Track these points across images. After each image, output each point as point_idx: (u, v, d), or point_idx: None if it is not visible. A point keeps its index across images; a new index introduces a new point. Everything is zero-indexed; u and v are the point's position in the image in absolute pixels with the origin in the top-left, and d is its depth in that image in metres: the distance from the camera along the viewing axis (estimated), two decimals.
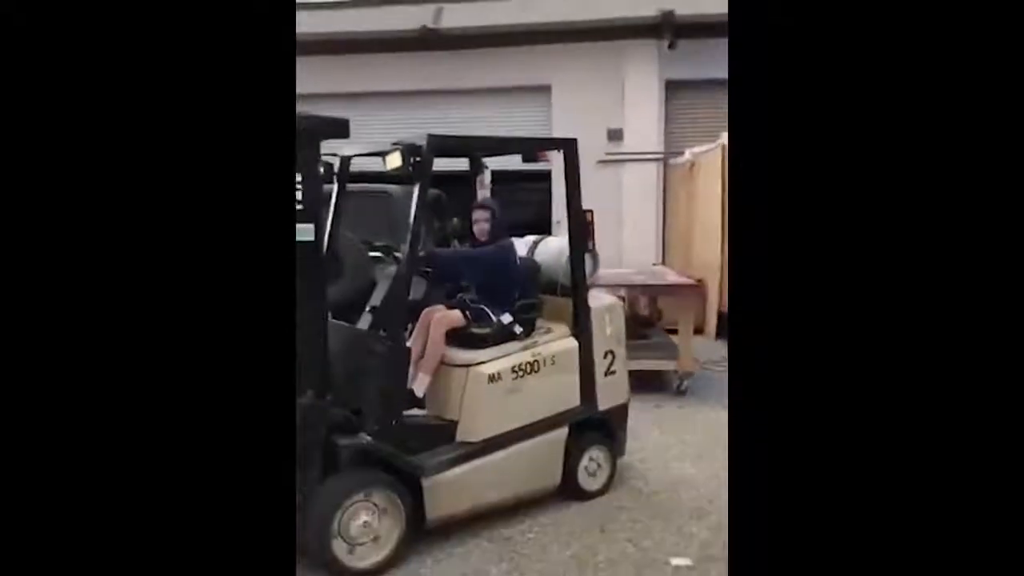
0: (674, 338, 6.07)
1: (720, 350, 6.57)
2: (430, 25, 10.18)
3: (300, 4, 9.93)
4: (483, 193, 3.91)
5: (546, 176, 9.84)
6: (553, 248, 3.81)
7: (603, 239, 9.20)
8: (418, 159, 3.09)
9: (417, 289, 3.85)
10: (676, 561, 3.10)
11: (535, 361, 3.44)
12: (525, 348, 3.45)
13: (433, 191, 6.18)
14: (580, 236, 3.60)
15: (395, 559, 3.03)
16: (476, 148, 3.73)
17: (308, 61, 10.49)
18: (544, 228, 9.89)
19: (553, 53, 9.65)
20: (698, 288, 6.21)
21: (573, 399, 3.58)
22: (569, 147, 3.58)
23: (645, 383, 5.50)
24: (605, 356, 3.69)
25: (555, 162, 9.84)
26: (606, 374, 3.69)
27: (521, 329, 3.48)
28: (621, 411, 3.83)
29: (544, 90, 9.88)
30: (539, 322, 3.62)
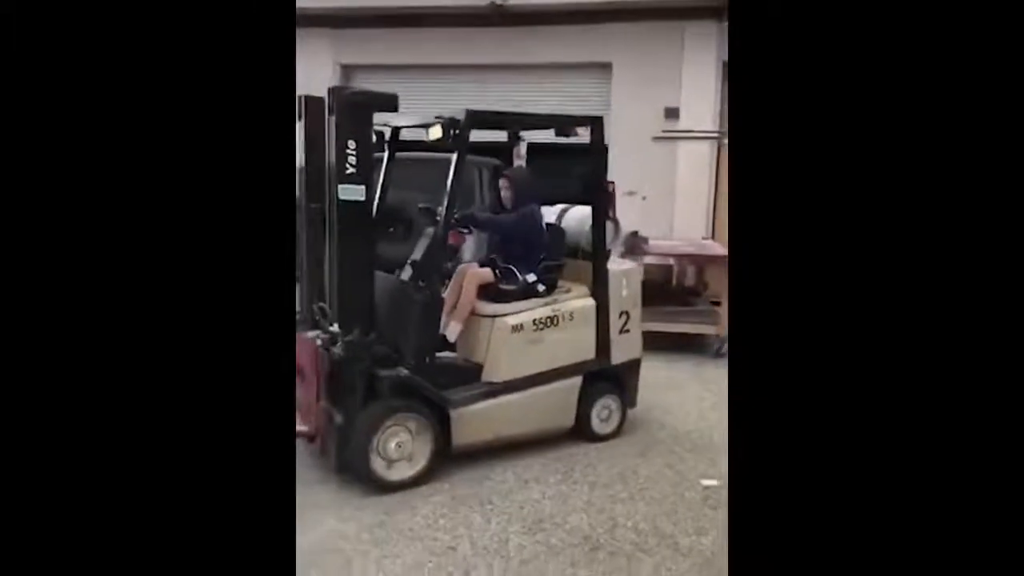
0: (717, 309, 6.54)
1: None
2: (497, 1, 10.58)
3: None
4: (519, 163, 4.34)
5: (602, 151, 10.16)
6: (577, 216, 4.22)
7: (655, 212, 9.53)
8: (457, 132, 3.54)
9: (480, 249, 4.33)
10: (706, 482, 3.66)
11: (555, 316, 3.89)
12: (546, 304, 3.90)
13: (493, 160, 6.67)
14: (602, 206, 4.01)
15: (425, 476, 3.54)
16: (510, 123, 4.16)
17: (381, 33, 11.10)
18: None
19: (614, 32, 9.90)
20: None
21: (588, 352, 4.01)
22: (596, 123, 3.97)
23: (688, 345, 6.32)
24: (620, 316, 4.10)
25: (614, 137, 10.13)
26: (620, 332, 4.11)
27: (544, 287, 3.93)
28: (633, 366, 4.25)
29: (605, 67, 10.17)
30: (561, 282, 4.06)
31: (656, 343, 6.27)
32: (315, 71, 11.19)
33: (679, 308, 6.94)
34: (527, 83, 10.79)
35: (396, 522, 3.19)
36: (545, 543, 3.04)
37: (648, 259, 6.49)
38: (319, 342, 3.45)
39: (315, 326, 3.60)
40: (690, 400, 5.03)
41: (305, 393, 3.49)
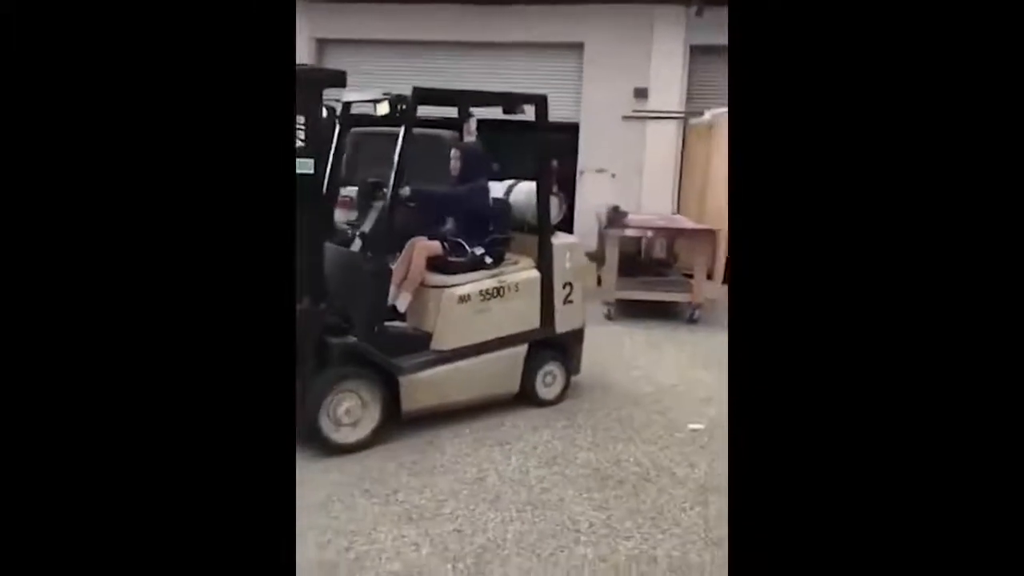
0: (689, 279, 6.98)
1: (725, 292, 7.23)
2: None
3: None
4: (469, 138, 4.47)
5: (569, 128, 10.32)
6: (525, 191, 4.37)
7: (624, 188, 9.71)
8: (403, 107, 3.67)
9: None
10: (692, 425, 4.18)
11: (501, 287, 4.05)
12: (493, 276, 4.06)
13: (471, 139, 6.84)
14: (547, 181, 4.17)
15: (374, 440, 3.70)
16: (457, 99, 4.29)
17: (347, 8, 11.10)
18: (563, 182, 10.41)
19: (587, 13, 10.00)
20: (710, 234, 6.80)
21: (533, 321, 4.19)
22: (540, 102, 4.11)
23: (662, 313, 6.92)
24: (564, 287, 4.27)
25: (585, 116, 10.30)
26: (564, 302, 4.28)
27: (491, 260, 4.09)
28: (577, 335, 4.43)
29: (577, 47, 10.28)
30: (508, 255, 4.22)
31: (633, 311, 6.78)
32: None
33: (653, 278, 7.25)
34: (501, 61, 10.86)
35: (428, 459, 3.62)
36: (561, 474, 3.52)
37: (628, 232, 6.78)
38: None
39: None
40: (669, 358, 5.65)
41: None
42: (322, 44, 11.67)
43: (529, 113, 4.21)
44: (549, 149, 4.21)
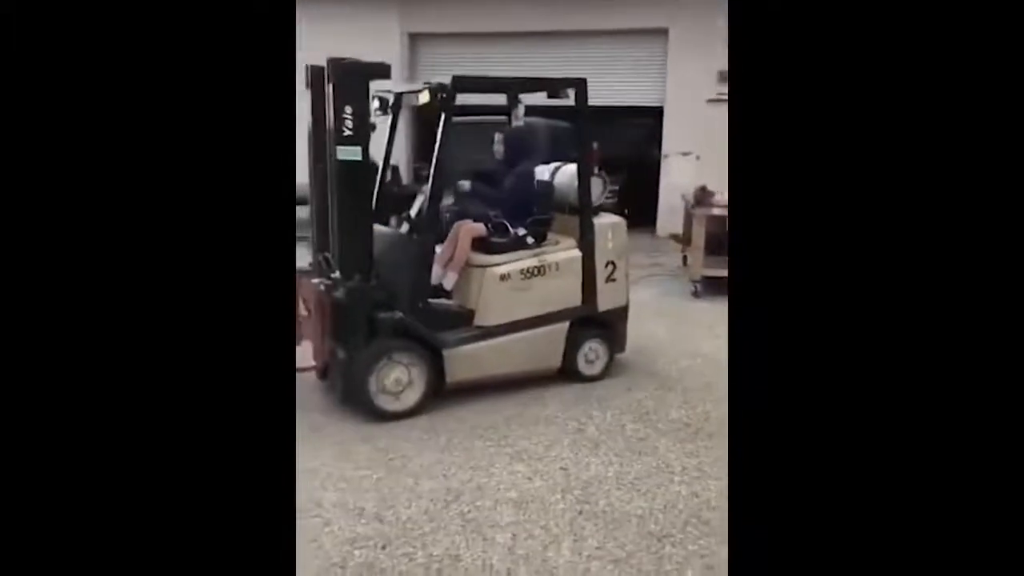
0: None
1: None
2: None
3: None
4: (516, 123, 4.64)
5: (651, 112, 10.28)
6: (569, 173, 4.49)
7: (708, 170, 9.57)
8: (444, 96, 3.89)
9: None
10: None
11: (542, 266, 4.20)
12: (534, 255, 4.22)
13: (563, 124, 7.01)
14: (587, 163, 4.28)
15: (419, 408, 3.96)
16: (497, 87, 4.45)
17: (438, 3, 11.45)
18: (647, 165, 10.38)
19: None
20: None
21: (575, 299, 4.31)
22: (580, 86, 4.21)
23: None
24: (606, 266, 4.37)
25: (669, 100, 10.30)
26: (607, 281, 4.38)
27: (532, 240, 4.25)
28: (620, 312, 4.51)
29: (662, 33, 10.21)
30: (551, 235, 4.36)
31: (719, 289, 6.90)
32: (382, 41, 11.72)
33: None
34: (586, 49, 10.92)
35: (530, 412, 3.99)
36: (654, 427, 3.87)
37: (715, 211, 6.74)
38: (322, 287, 3.90)
39: (321, 274, 4.06)
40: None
41: (312, 335, 3.97)
42: (414, 38, 12.10)
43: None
44: (589, 131, 4.31)
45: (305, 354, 4.09)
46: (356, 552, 2.65)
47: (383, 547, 2.68)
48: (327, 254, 4.07)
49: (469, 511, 2.97)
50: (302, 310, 4.08)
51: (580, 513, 2.97)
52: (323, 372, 4.24)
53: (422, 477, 3.25)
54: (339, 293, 3.85)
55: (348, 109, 3.79)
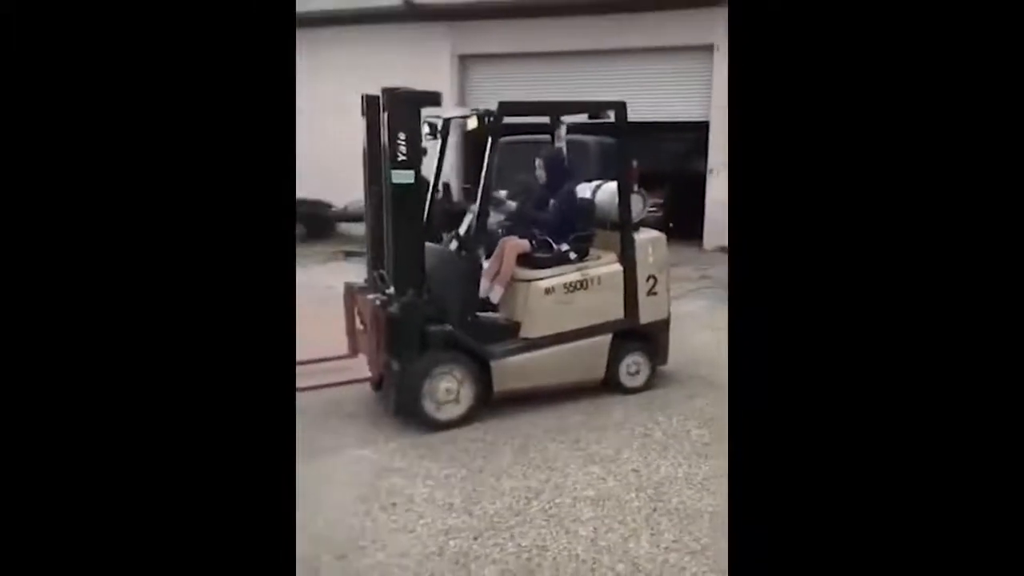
0: None
1: None
2: None
3: None
4: (560, 144, 4.84)
5: (696, 127, 10.38)
6: (610, 191, 4.66)
7: None
8: (491, 120, 4.11)
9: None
10: None
11: (584, 280, 4.38)
12: (577, 270, 4.40)
13: (609, 140, 7.18)
14: (627, 181, 4.45)
15: (468, 418, 4.15)
16: (541, 110, 4.65)
17: (486, 25, 11.76)
18: (692, 178, 10.47)
19: (717, 15, 10.02)
20: None
21: (617, 312, 4.47)
22: (619, 108, 4.39)
23: None
24: (648, 280, 4.52)
25: (715, 115, 10.45)
26: (648, 294, 4.53)
27: (575, 255, 4.43)
28: (662, 325, 4.65)
29: (707, 49, 10.32)
30: (593, 251, 4.53)
31: None
32: (434, 62, 12.10)
33: None
34: (633, 66, 11.10)
35: (597, 419, 4.19)
36: (719, 433, 3.90)
37: None
38: (377, 303, 4.15)
39: (376, 290, 4.31)
40: None
41: (368, 347, 4.21)
42: (464, 60, 12.45)
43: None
44: (630, 150, 4.48)
45: (360, 366, 4.35)
46: (451, 542, 2.87)
47: (475, 538, 2.90)
48: (382, 271, 4.32)
49: (550, 507, 3.16)
50: (358, 324, 4.33)
51: (655, 510, 3.14)
52: (378, 384, 4.49)
53: (502, 477, 3.46)
54: (393, 308, 4.09)
55: (401, 135, 4.04)
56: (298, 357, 4.51)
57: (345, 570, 2.67)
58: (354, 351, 4.63)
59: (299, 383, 4.21)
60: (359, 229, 11.91)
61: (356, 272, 5.35)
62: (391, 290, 4.16)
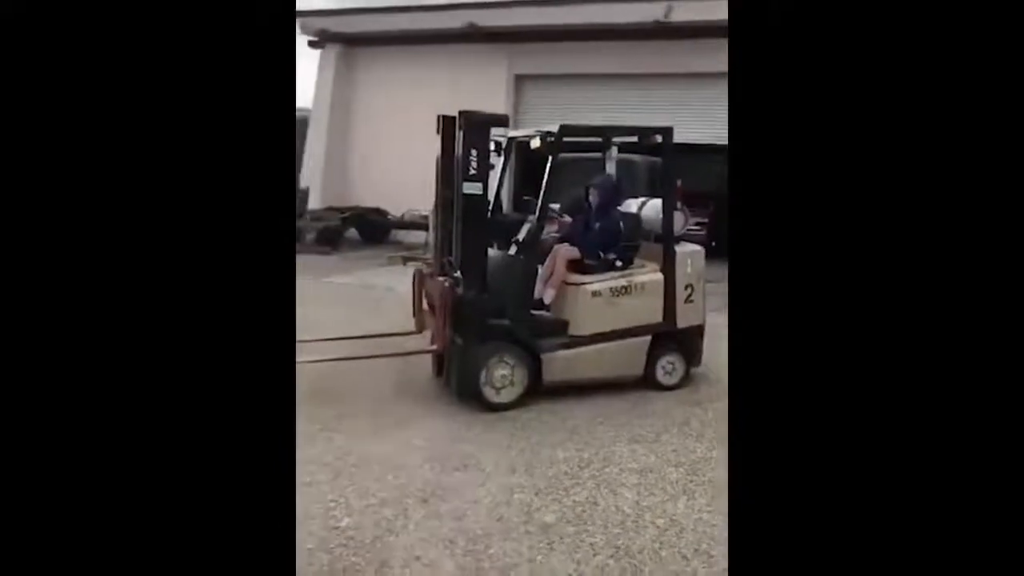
0: None
1: None
2: (661, 19, 11.53)
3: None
4: (611, 165, 5.39)
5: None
6: (653, 207, 5.20)
7: None
8: (551, 141, 4.69)
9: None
10: None
11: (628, 286, 4.92)
12: (622, 276, 4.94)
13: (655, 159, 7.66)
14: (671, 198, 4.99)
15: (518, 403, 4.69)
16: (597, 133, 5.21)
17: (552, 47, 12.40)
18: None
19: None
20: None
21: (657, 316, 5.00)
22: (666, 133, 4.94)
23: None
24: (686, 288, 5.04)
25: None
26: (686, 302, 5.04)
27: (621, 263, 4.98)
28: (697, 330, 5.16)
29: None
30: (637, 260, 5.07)
31: None
32: (492, 81, 12.78)
33: None
34: (680, 89, 11.63)
35: (639, 408, 4.72)
36: None
37: None
38: (447, 283, 4.70)
39: (443, 273, 4.88)
40: None
41: (436, 322, 4.73)
42: (520, 80, 13.11)
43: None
44: (673, 171, 5.02)
45: (424, 341, 4.98)
46: (515, 495, 3.42)
47: (536, 493, 3.45)
48: (450, 257, 4.90)
49: (599, 474, 3.69)
50: (424, 305, 4.91)
51: (691, 481, 3.65)
52: (439, 369, 5.07)
53: (556, 448, 4.01)
54: (460, 288, 4.63)
55: (473, 152, 4.65)
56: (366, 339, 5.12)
57: (428, 508, 3.24)
58: (420, 328, 5.22)
59: (374, 353, 4.86)
60: (413, 237, 12.61)
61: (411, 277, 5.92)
62: (458, 274, 4.73)
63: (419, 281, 5.23)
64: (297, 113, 15.12)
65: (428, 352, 4.95)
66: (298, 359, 4.98)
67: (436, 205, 5.02)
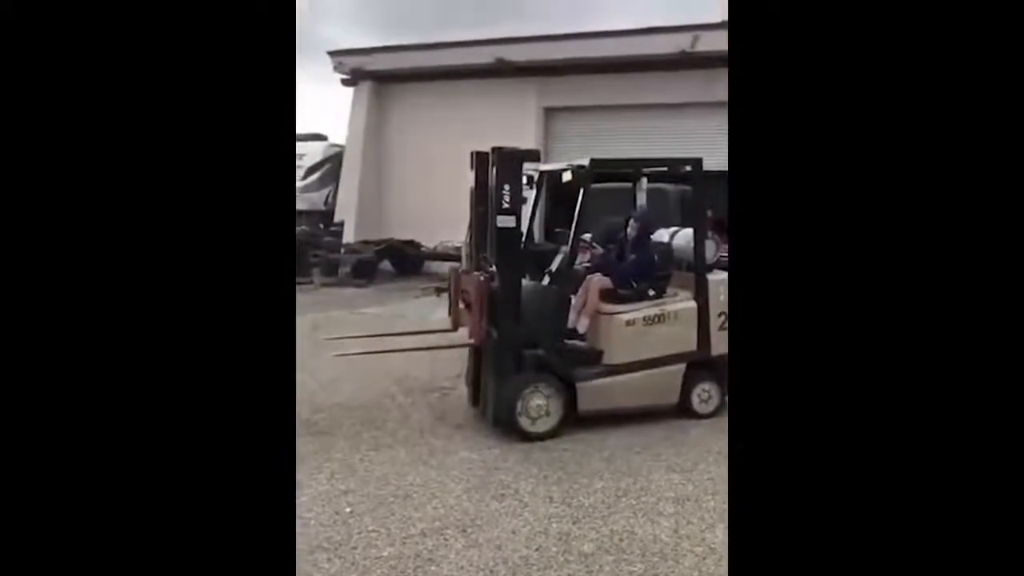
0: None
1: None
2: (688, 50, 11.67)
3: (586, 33, 12.08)
4: (641, 196, 5.46)
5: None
6: (686, 236, 5.24)
7: None
8: (582, 174, 4.79)
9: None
10: None
11: (661, 314, 4.96)
12: (655, 305, 4.98)
13: (683, 188, 7.68)
14: (702, 228, 5.04)
15: (557, 431, 4.72)
16: (627, 167, 5.29)
17: (581, 79, 12.58)
18: None
19: None
20: None
21: (691, 344, 5.01)
22: (696, 163, 5.01)
23: None
24: (719, 316, 5.04)
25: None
26: (719, 329, 5.05)
27: (653, 292, 5.02)
28: None
29: None
30: (670, 289, 5.11)
31: None
32: (522, 113, 12.98)
33: None
34: (711, 119, 11.70)
35: (675, 437, 4.73)
36: None
37: None
38: (482, 278, 4.76)
39: (478, 268, 4.96)
40: None
41: (472, 316, 4.78)
42: (549, 112, 13.31)
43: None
44: (704, 201, 5.08)
45: (462, 336, 5.07)
46: (553, 524, 3.45)
47: (574, 522, 3.48)
48: (485, 254, 4.99)
49: (637, 503, 3.71)
50: (461, 304, 4.98)
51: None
52: (475, 399, 5.13)
53: (593, 478, 4.03)
54: (494, 283, 4.70)
55: (506, 186, 4.75)
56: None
57: (468, 538, 3.29)
58: (455, 326, 5.28)
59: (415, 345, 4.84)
60: (447, 268, 12.74)
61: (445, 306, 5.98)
62: (493, 269, 4.80)
63: (455, 280, 5.31)
64: (333, 148, 15.68)
65: (465, 346, 5.01)
66: (342, 352, 5.19)
67: (471, 220, 5.14)
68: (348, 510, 3.54)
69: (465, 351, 5.20)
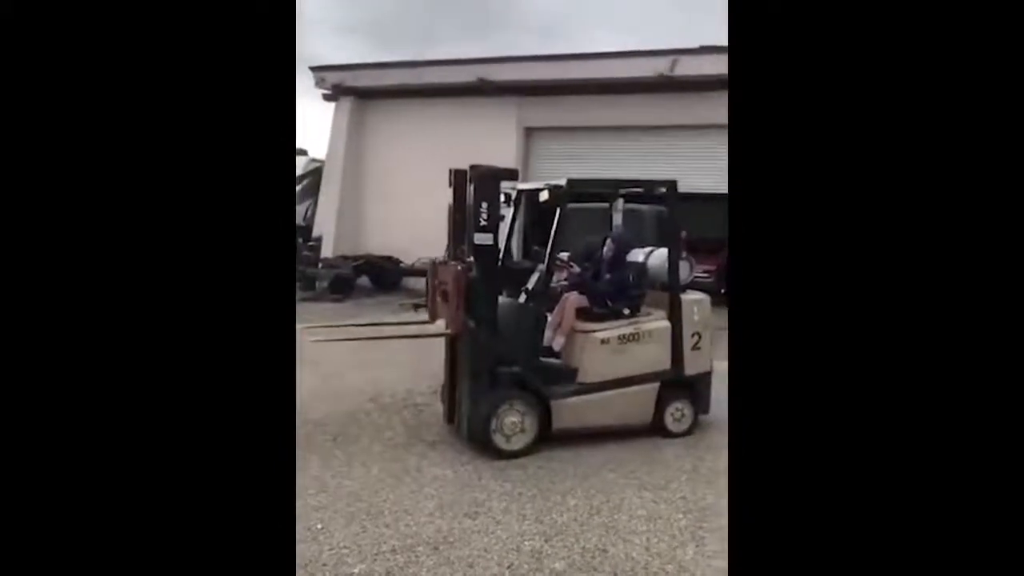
0: None
1: None
2: (666, 73, 11.85)
3: (566, 55, 12.22)
4: (617, 217, 5.52)
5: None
6: (661, 256, 5.31)
7: None
8: (560, 194, 4.83)
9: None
10: None
11: (636, 333, 5.00)
12: (630, 324, 5.02)
13: (658, 208, 7.71)
14: (676, 248, 5.10)
15: (531, 448, 4.73)
16: (603, 187, 5.36)
17: (560, 100, 12.70)
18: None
19: None
20: None
21: (665, 363, 5.06)
22: (671, 186, 5.08)
23: None
24: (692, 336, 5.11)
25: None
26: (693, 349, 5.11)
27: (628, 311, 5.06)
28: (704, 377, 5.20)
29: None
30: (644, 308, 5.16)
31: None
32: (502, 132, 13.07)
33: None
34: (690, 140, 11.87)
35: (648, 455, 4.75)
36: None
37: None
38: (459, 268, 4.76)
39: (456, 259, 4.93)
40: None
41: (449, 306, 4.78)
42: (529, 131, 13.41)
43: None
44: (678, 222, 5.14)
45: (439, 327, 5.02)
46: (525, 542, 3.46)
47: (546, 540, 3.48)
48: (463, 247, 4.97)
49: (609, 521, 3.73)
50: (438, 297, 4.98)
51: (700, 528, 3.67)
52: (450, 416, 5.13)
53: (567, 496, 4.04)
54: (472, 273, 4.68)
55: (484, 204, 4.78)
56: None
57: (440, 555, 3.28)
58: (433, 318, 5.23)
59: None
60: (424, 284, 12.78)
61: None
62: (471, 259, 4.80)
63: (433, 271, 5.29)
64: (313, 164, 15.65)
65: (442, 336, 4.99)
66: (319, 338, 5.12)
67: (449, 238, 5.13)
68: (319, 526, 3.52)
69: (441, 368, 5.20)
